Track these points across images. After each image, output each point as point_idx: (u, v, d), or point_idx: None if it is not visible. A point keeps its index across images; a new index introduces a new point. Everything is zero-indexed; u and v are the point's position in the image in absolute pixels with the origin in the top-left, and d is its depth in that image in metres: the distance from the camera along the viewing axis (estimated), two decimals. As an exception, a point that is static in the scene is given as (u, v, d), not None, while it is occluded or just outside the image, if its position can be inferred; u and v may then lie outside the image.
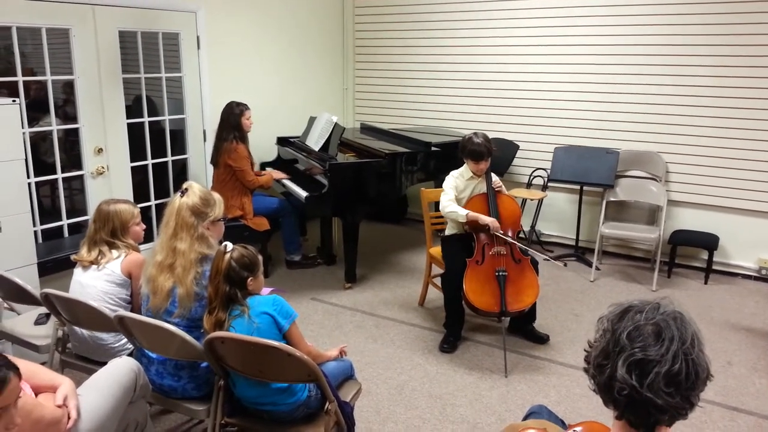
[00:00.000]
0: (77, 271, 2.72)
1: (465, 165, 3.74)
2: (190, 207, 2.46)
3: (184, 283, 2.39)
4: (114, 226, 2.70)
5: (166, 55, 4.67)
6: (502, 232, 3.53)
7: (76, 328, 2.68)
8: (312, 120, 5.09)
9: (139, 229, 2.81)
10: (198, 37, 4.87)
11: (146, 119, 4.61)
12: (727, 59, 4.58)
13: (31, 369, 1.98)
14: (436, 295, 4.24)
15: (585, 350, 1.30)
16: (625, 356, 1.18)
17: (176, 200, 2.49)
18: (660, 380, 1.14)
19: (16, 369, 1.57)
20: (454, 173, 3.80)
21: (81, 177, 4.31)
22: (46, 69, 3.95)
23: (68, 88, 4.26)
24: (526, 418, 1.95)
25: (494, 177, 3.76)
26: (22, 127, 3.53)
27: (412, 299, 4.42)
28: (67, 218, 4.23)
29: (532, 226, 5.53)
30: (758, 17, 4.42)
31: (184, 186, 2.54)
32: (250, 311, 2.25)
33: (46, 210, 4.45)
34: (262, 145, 5.27)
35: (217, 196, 2.62)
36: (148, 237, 4.03)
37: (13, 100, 3.25)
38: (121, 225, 2.71)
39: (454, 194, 3.69)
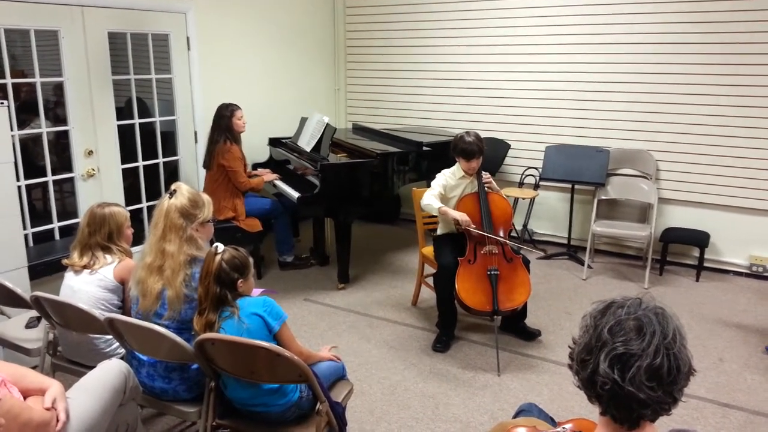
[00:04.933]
0: (68, 275, 2.69)
1: (457, 164, 3.75)
2: (179, 208, 2.46)
3: (174, 285, 2.38)
4: (110, 229, 2.68)
5: (156, 56, 4.66)
6: (474, 227, 3.54)
7: (68, 334, 2.66)
8: (303, 120, 5.08)
9: (130, 232, 2.81)
10: (188, 38, 4.86)
11: (137, 121, 4.60)
12: (717, 57, 4.60)
13: (19, 372, 1.97)
14: (429, 295, 4.24)
15: (569, 347, 1.31)
16: (607, 351, 1.19)
17: (165, 202, 2.49)
18: (642, 374, 1.15)
19: None
20: (445, 172, 3.80)
21: (71, 179, 4.30)
22: (35, 71, 3.93)
23: (58, 90, 4.25)
24: (516, 416, 1.95)
25: (485, 174, 3.77)
26: (12, 130, 3.51)
27: (405, 299, 4.42)
28: (58, 221, 4.21)
29: (524, 225, 5.55)
30: (747, 15, 4.44)
31: (173, 187, 2.53)
32: (240, 312, 2.24)
33: (37, 213, 4.44)
34: (254, 145, 5.26)
35: (205, 197, 2.61)
36: (140, 239, 4.03)
37: (1, 102, 3.24)
38: (117, 228, 2.70)
39: (439, 191, 3.71)
